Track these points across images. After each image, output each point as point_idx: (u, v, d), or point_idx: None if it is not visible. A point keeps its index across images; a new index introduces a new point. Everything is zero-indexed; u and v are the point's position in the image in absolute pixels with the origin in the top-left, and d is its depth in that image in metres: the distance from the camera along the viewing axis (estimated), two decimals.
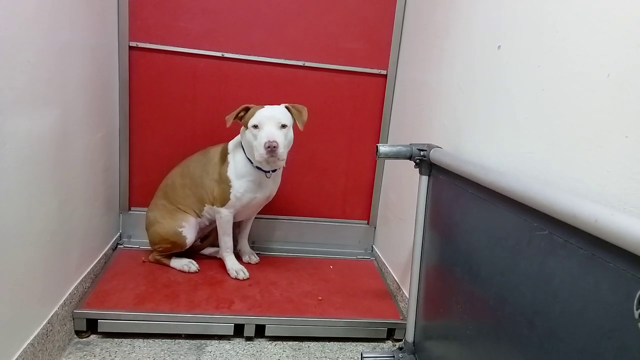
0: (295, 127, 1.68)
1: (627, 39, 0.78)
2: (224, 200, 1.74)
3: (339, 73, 2.04)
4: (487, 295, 1.01)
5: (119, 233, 2.06)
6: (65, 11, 1.35)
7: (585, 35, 0.88)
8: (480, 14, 1.31)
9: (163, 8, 1.87)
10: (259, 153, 1.58)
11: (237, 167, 1.72)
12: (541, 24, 1.03)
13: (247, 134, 1.64)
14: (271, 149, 1.54)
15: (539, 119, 1.00)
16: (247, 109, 1.65)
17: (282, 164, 1.72)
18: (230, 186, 1.72)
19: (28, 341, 1.20)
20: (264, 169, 1.71)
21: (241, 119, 1.67)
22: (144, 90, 1.94)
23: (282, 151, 1.58)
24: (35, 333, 1.24)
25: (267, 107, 1.63)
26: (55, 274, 1.37)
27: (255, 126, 1.59)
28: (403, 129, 1.93)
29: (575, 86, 0.90)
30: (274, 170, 1.75)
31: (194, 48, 1.92)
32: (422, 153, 1.35)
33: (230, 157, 1.74)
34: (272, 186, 1.81)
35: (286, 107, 1.66)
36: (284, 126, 1.61)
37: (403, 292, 1.75)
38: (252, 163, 1.70)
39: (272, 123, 1.59)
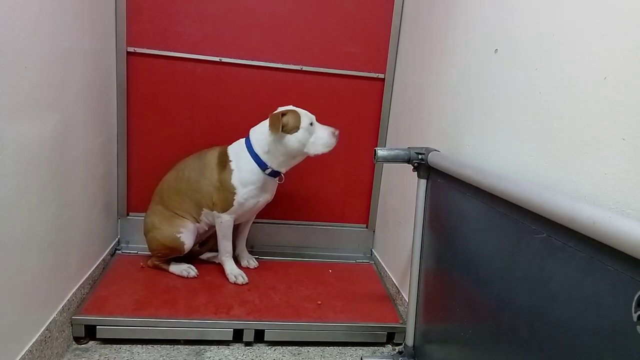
0: None
1: (624, 42, 0.78)
2: (226, 206, 1.74)
3: (337, 77, 2.05)
4: (486, 299, 1.01)
5: (117, 238, 2.05)
6: (64, 17, 1.35)
7: (582, 38, 0.89)
8: (477, 18, 1.32)
9: (161, 13, 1.87)
10: (326, 145, 1.71)
11: (243, 174, 1.72)
12: (538, 27, 1.03)
13: (299, 135, 1.67)
14: (336, 136, 1.72)
15: (537, 122, 1.01)
16: (282, 115, 1.67)
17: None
18: (234, 193, 1.72)
19: (26, 348, 1.20)
20: (283, 171, 1.77)
21: (282, 126, 1.65)
22: (142, 95, 1.94)
23: None
24: (34, 340, 1.24)
25: (296, 108, 1.71)
26: (53, 280, 1.37)
27: (312, 124, 1.70)
28: (401, 132, 1.93)
29: (573, 89, 0.90)
30: None
31: (191, 53, 1.92)
32: (420, 156, 1.35)
33: (233, 165, 1.73)
34: (273, 189, 1.83)
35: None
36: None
37: (402, 295, 1.75)
38: (264, 170, 1.71)
39: (315, 120, 1.73)
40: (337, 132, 1.71)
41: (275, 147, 1.70)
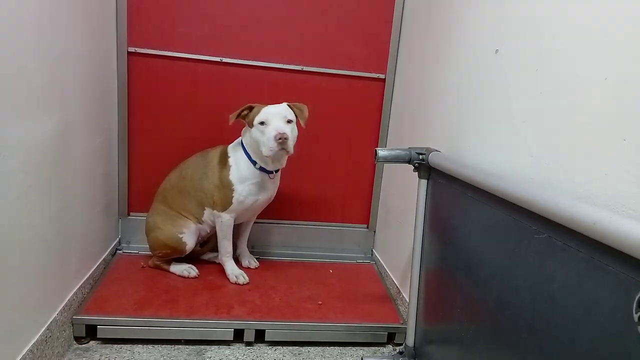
0: (297, 126, 1.71)
1: (624, 42, 0.78)
2: (226, 205, 1.75)
3: (338, 77, 2.05)
4: (486, 299, 1.01)
5: (118, 238, 2.05)
6: (64, 17, 1.35)
7: (582, 39, 0.89)
8: (478, 18, 1.32)
9: (162, 14, 1.88)
10: (269, 147, 1.59)
11: (239, 170, 1.73)
12: (539, 27, 1.03)
13: (253, 132, 1.66)
14: (282, 140, 1.57)
15: (538, 122, 1.01)
16: (250, 108, 1.68)
17: (283, 164, 1.76)
18: (232, 190, 1.73)
19: (27, 347, 1.20)
20: (268, 168, 1.73)
21: (244, 118, 1.69)
22: (143, 95, 1.95)
23: (291, 144, 1.62)
24: (35, 339, 1.24)
25: (270, 105, 1.67)
26: (54, 280, 1.37)
27: (262, 123, 1.62)
28: (402, 132, 1.93)
29: (573, 89, 0.90)
30: (276, 171, 1.77)
31: (192, 53, 1.93)
32: (421, 157, 1.35)
33: (231, 161, 1.75)
34: (272, 187, 1.83)
35: (288, 105, 1.70)
36: (289, 121, 1.65)
37: (403, 296, 1.75)
38: (254, 165, 1.72)
39: (278, 118, 1.63)
40: (279, 137, 1.56)
41: (246, 139, 1.72)
